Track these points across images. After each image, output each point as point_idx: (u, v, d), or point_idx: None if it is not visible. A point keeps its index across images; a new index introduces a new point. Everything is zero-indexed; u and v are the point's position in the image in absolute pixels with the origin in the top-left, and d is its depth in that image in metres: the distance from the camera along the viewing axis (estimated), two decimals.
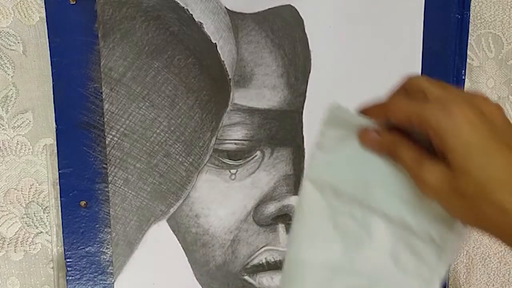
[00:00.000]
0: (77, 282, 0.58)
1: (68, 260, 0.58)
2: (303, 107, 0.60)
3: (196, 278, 0.60)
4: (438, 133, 0.33)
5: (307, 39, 0.59)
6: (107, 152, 0.56)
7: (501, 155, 0.33)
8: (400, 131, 0.37)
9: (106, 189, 0.57)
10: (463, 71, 0.58)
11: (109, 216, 0.57)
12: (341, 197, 0.44)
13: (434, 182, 0.35)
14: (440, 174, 0.35)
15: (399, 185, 0.41)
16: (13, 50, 0.56)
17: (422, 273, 0.44)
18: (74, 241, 0.57)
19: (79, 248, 0.58)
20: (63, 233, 0.57)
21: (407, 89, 0.37)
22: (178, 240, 0.59)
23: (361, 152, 0.42)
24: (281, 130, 0.60)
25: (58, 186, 0.57)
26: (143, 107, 0.56)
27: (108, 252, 0.58)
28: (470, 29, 0.58)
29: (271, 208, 0.60)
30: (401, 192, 0.41)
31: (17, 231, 0.59)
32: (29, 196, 0.58)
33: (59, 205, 0.57)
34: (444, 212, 0.39)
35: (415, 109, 0.34)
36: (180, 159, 0.57)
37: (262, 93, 0.59)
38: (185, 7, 0.54)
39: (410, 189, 0.41)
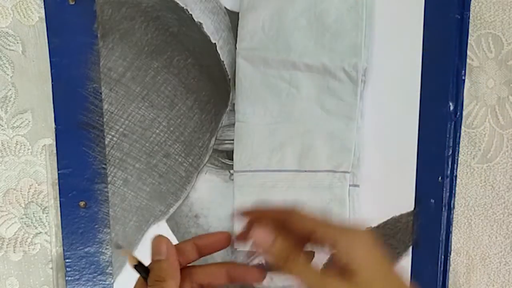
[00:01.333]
0: (76, 282, 0.58)
1: (67, 260, 0.58)
2: None
3: None
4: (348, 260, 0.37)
5: None
6: (107, 152, 0.56)
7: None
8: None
9: (106, 190, 0.57)
10: (463, 71, 0.58)
11: (109, 216, 0.57)
12: (269, 65, 0.54)
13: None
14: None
15: (313, 33, 0.50)
16: (12, 50, 0.56)
17: (343, 111, 0.54)
18: (73, 241, 0.57)
19: (78, 248, 0.57)
20: (62, 233, 0.57)
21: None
22: (178, 240, 0.59)
23: (278, 16, 0.52)
24: None
25: (57, 187, 0.57)
26: (143, 107, 0.56)
27: (107, 253, 0.58)
28: (470, 29, 0.58)
29: None
30: (315, 39, 0.50)
31: (16, 232, 0.59)
32: (28, 197, 0.58)
33: (58, 205, 0.57)
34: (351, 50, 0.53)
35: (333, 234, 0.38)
36: (180, 160, 0.57)
37: None
38: (185, 7, 0.54)
39: (321, 35, 0.52)
